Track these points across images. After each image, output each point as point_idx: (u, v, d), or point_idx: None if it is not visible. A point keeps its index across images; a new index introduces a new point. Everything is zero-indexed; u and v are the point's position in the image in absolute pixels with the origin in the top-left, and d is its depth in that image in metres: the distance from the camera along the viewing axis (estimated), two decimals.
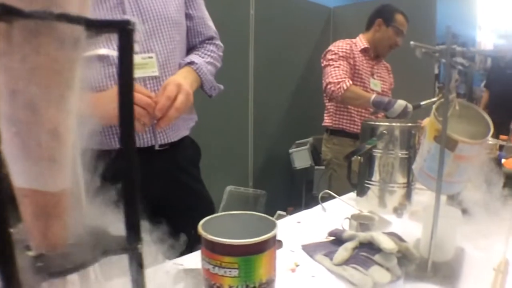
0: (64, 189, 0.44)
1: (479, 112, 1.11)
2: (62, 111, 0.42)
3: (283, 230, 1.34)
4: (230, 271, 0.65)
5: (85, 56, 0.48)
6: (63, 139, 0.42)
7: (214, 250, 0.66)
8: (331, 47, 2.72)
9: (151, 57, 1.24)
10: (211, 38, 1.49)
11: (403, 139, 1.52)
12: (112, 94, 1.11)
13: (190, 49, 1.46)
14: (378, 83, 2.77)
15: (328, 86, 2.55)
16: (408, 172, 1.53)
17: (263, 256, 0.66)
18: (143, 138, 1.25)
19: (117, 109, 1.11)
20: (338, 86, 2.50)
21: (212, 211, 1.51)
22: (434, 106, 1.06)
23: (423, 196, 1.64)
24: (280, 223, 1.44)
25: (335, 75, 2.55)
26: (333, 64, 2.61)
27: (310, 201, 1.51)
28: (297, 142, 4.13)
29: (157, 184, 1.30)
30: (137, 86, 1.13)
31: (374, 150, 1.54)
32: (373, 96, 2.43)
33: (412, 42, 0.90)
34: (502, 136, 2.34)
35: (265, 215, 0.74)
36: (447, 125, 0.94)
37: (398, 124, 1.54)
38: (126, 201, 0.43)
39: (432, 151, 1.06)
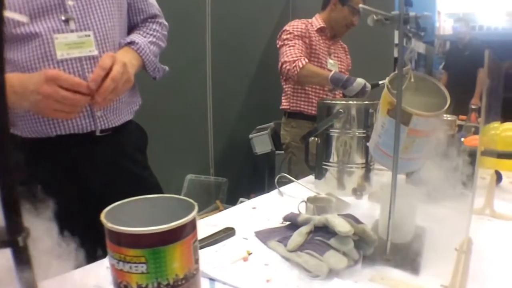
0: None
1: (436, 84, 1.06)
2: None
3: (236, 217, 1.28)
4: (136, 267, 0.54)
5: None
6: None
7: (117, 241, 0.55)
8: (286, 27, 2.65)
9: (88, 35, 1.14)
10: (154, 16, 1.39)
11: (360, 117, 1.47)
12: (35, 78, 1.00)
13: (131, 28, 1.37)
14: (335, 63, 2.72)
15: (284, 65, 2.49)
16: (366, 152, 1.49)
17: (177, 246, 0.56)
18: (81, 123, 1.16)
19: (36, 96, 1.00)
20: (294, 64, 2.44)
21: None
22: (387, 79, 1.00)
23: (383, 177, 1.60)
24: (233, 209, 1.39)
25: (290, 54, 2.49)
26: (288, 44, 2.54)
27: (273, 186, 1.47)
28: (258, 127, 4.06)
29: (101, 172, 1.23)
30: (63, 76, 0.99)
31: (331, 130, 1.49)
32: (332, 73, 2.37)
33: (361, 5, 0.83)
34: (461, 116, 2.34)
35: (184, 198, 0.64)
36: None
37: (355, 102, 1.49)
38: (3, 188, 0.34)
39: (386, 126, 1.00)
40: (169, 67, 1.42)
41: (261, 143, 3.93)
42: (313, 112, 2.68)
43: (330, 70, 2.61)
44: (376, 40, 3.66)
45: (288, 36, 2.57)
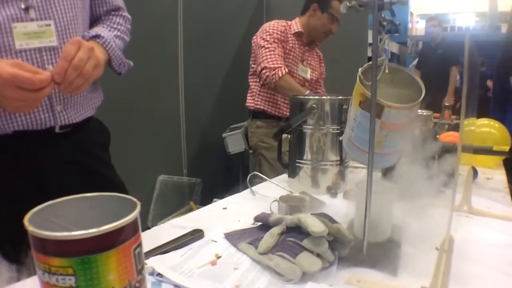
0: None
1: (412, 76, 1.02)
2: None
3: (206, 218, 1.22)
4: (63, 279, 0.45)
5: None
6: None
7: (41, 249, 0.46)
8: (266, 27, 2.60)
9: (48, 25, 1.07)
10: (117, 9, 1.33)
11: (334, 113, 1.42)
12: None
13: (94, 21, 1.31)
14: (307, 70, 2.69)
15: (263, 71, 2.46)
16: (341, 149, 1.44)
17: (111, 254, 0.47)
18: (40, 118, 1.08)
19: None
20: (274, 72, 2.42)
21: None
22: (360, 70, 0.95)
23: (358, 174, 1.56)
24: (203, 210, 1.33)
25: (271, 60, 2.46)
26: (268, 47, 2.50)
27: (247, 186, 1.43)
28: (231, 126, 4.00)
29: (61, 171, 1.15)
30: (20, 78, 0.90)
31: (304, 126, 1.44)
32: (307, 93, 2.34)
33: None
34: (435, 114, 2.34)
35: (128, 196, 0.55)
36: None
37: (328, 97, 1.44)
38: None
39: (358, 119, 0.96)
40: (141, 64, 1.36)
41: (234, 142, 3.88)
42: (277, 113, 2.67)
43: (300, 76, 2.60)
44: (350, 42, 3.66)
45: (268, 38, 2.53)
